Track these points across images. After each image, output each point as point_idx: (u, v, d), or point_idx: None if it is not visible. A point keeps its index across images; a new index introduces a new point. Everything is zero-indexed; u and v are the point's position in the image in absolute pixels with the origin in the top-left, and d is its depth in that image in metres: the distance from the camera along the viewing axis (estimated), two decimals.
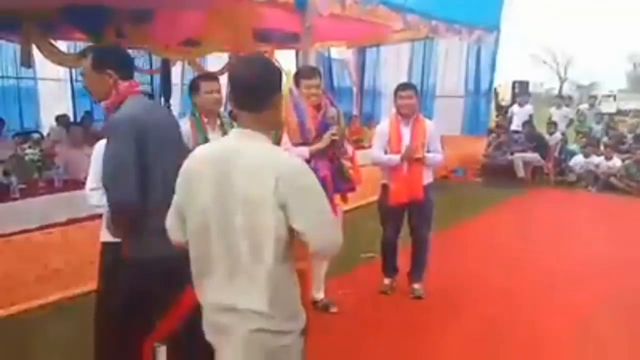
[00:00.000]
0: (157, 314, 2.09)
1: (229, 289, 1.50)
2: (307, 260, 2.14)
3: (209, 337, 1.61)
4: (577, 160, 8.72)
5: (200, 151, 1.64)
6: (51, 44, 6.74)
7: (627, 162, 8.28)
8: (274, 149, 1.60)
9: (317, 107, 3.30)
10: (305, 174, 1.51)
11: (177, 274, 1.78)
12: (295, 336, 1.54)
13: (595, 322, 3.55)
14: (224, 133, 3.06)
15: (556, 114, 10.03)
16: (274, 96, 1.57)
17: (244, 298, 1.48)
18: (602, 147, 9.05)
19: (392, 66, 11.02)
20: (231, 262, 1.49)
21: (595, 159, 8.53)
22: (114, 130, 2.03)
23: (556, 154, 9.12)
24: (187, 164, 1.60)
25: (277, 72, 1.61)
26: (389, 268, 4.01)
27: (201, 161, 1.57)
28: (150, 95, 10.51)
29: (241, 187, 1.46)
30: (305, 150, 3.19)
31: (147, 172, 1.98)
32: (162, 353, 2.56)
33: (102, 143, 2.51)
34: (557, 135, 9.37)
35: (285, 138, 3.30)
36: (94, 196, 2.51)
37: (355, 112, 10.80)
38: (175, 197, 1.63)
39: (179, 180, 1.61)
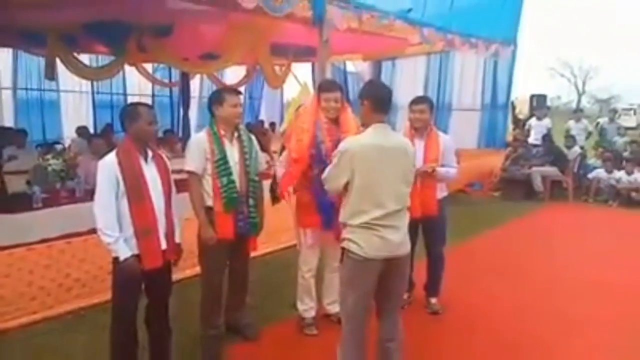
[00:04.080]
0: None
1: None
2: None
3: None
4: (597, 175, 8.58)
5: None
6: (74, 58, 6.93)
7: None
8: None
9: (335, 120, 3.31)
10: None
11: None
12: None
13: (613, 340, 3.48)
14: (241, 144, 3.11)
15: (574, 127, 9.92)
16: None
17: None
18: (623, 162, 8.89)
19: (408, 80, 11.04)
20: None
21: (616, 174, 8.39)
22: None
23: (575, 168, 8.99)
24: None
25: None
26: None
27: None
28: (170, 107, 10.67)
29: None
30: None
31: None
32: None
33: (105, 159, 2.54)
34: (576, 149, 9.25)
35: (285, 153, 3.32)
36: (101, 220, 2.49)
37: None
38: None
39: None
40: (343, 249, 2.49)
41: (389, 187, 2.48)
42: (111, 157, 2.56)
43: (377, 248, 2.42)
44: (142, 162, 2.59)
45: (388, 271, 2.49)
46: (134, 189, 2.52)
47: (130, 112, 2.63)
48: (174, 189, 2.74)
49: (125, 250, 2.51)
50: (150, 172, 2.61)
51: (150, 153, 2.64)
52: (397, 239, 2.47)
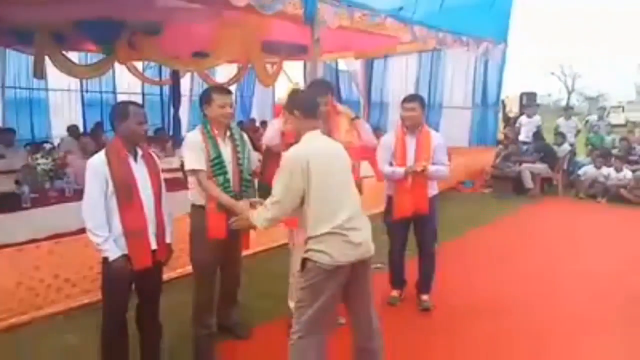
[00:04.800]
0: None
1: None
2: None
3: None
4: (586, 171, 8.67)
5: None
6: (63, 56, 6.86)
7: (637, 173, 8.22)
8: None
9: (324, 122, 3.29)
10: None
11: None
12: None
13: (605, 332, 3.52)
14: (234, 144, 3.09)
15: (564, 125, 10.01)
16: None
17: None
18: (612, 159, 8.99)
19: (400, 78, 11.09)
20: None
21: (605, 170, 8.48)
22: None
23: (565, 165, 9.07)
24: None
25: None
26: (396, 280, 4.00)
27: None
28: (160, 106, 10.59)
29: None
30: None
31: None
32: None
33: (94, 158, 2.52)
34: (566, 146, 9.34)
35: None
36: (90, 220, 2.48)
37: None
38: None
39: None
40: (305, 259, 2.37)
41: (343, 189, 2.45)
42: (100, 157, 2.53)
43: (347, 253, 2.35)
44: (132, 161, 2.57)
45: (355, 275, 2.42)
46: (123, 188, 2.50)
47: (119, 111, 2.60)
48: (164, 188, 2.73)
49: (114, 251, 2.50)
50: (140, 172, 2.59)
51: (140, 152, 2.62)
52: (364, 241, 2.43)
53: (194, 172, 2.96)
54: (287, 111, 2.59)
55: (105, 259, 2.54)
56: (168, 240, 2.73)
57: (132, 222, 2.52)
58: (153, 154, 2.77)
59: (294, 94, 2.87)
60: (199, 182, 2.97)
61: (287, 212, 2.45)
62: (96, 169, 2.49)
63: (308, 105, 2.55)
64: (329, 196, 2.39)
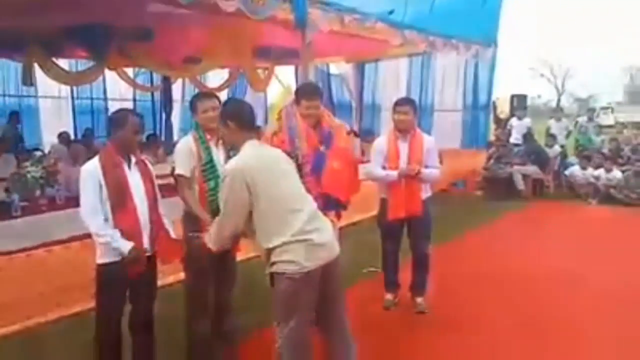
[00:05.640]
0: None
1: None
2: None
3: None
4: (574, 172, 8.73)
5: None
6: (53, 63, 6.81)
7: (626, 173, 8.31)
8: None
9: (314, 126, 3.27)
10: None
11: None
12: None
13: (596, 331, 3.54)
14: (227, 148, 3.09)
15: (555, 126, 10.09)
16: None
17: None
18: (597, 160, 9.07)
19: (391, 81, 11.11)
20: None
21: (595, 171, 8.55)
22: None
23: (556, 166, 9.14)
24: None
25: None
26: (391, 283, 4.00)
27: None
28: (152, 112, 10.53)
29: None
30: None
31: None
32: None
33: (88, 164, 2.57)
34: (557, 147, 9.42)
35: None
36: (92, 222, 2.52)
37: (354, 127, 10.85)
38: None
39: None
40: (272, 273, 2.28)
41: (294, 193, 2.40)
42: (94, 163, 2.57)
43: (315, 257, 2.26)
44: (125, 167, 2.60)
45: (325, 276, 2.31)
46: (117, 194, 2.53)
47: (117, 118, 2.67)
48: (158, 194, 2.75)
49: (126, 243, 2.53)
50: (134, 178, 2.62)
51: (133, 159, 2.66)
52: (328, 241, 2.34)
53: (178, 177, 2.96)
54: (221, 122, 2.50)
55: (99, 265, 2.55)
56: (173, 235, 2.76)
57: (126, 227, 2.54)
58: (146, 161, 2.80)
59: (228, 103, 2.80)
60: (180, 187, 2.96)
61: (236, 227, 2.36)
62: (90, 175, 2.53)
63: (244, 117, 2.46)
64: (281, 203, 2.30)
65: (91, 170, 2.54)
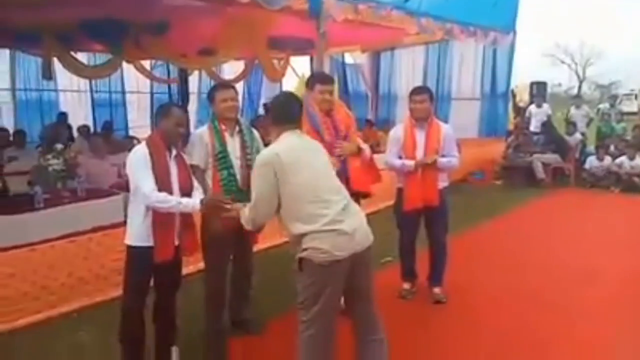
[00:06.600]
0: None
1: None
2: None
3: None
4: (592, 162, 8.54)
5: None
6: (72, 57, 6.90)
7: None
8: None
9: (327, 113, 3.30)
10: None
11: None
12: None
13: (618, 326, 3.48)
14: (243, 139, 3.11)
15: (575, 114, 9.88)
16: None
17: None
18: (612, 148, 8.88)
19: (407, 70, 11.01)
20: None
21: (617, 159, 8.36)
22: None
23: (577, 154, 8.96)
24: None
25: None
26: (408, 272, 3.99)
27: None
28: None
29: None
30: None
31: None
32: (175, 354, 2.67)
33: (136, 149, 2.66)
34: (577, 135, 9.22)
35: None
36: (154, 195, 2.55)
37: (370, 116, 10.79)
38: None
39: None
40: (301, 259, 2.33)
41: (325, 182, 2.43)
42: (142, 147, 2.66)
43: (343, 246, 2.29)
44: (167, 157, 2.69)
45: (353, 267, 2.36)
46: (161, 180, 2.60)
47: (163, 109, 2.79)
48: (194, 188, 2.81)
49: (192, 201, 2.62)
50: (173, 169, 2.70)
51: (174, 152, 2.73)
52: (358, 229, 2.37)
53: (192, 167, 2.99)
54: (269, 120, 2.62)
55: (128, 247, 2.63)
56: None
57: (162, 214, 2.60)
58: (185, 157, 2.87)
59: (274, 99, 2.85)
60: (196, 177, 2.99)
61: (266, 213, 2.43)
62: (142, 156, 2.61)
63: (278, 110, 2.58)
64: (312, 192, 2.35)
65: (142, 153, 2.61)
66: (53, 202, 4.56)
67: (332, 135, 3.26)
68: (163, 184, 2.60)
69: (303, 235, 2.32)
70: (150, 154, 2.61)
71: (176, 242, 2.69)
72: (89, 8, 5.43)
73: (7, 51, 9.15)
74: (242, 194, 3.02)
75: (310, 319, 2.36)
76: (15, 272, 3.45)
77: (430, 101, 3.71)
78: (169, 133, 2.69)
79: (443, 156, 3.69)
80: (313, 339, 2.37)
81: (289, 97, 2.75)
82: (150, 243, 2.60)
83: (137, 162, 2.60)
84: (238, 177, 3.04)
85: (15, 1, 4.89)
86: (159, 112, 2.77)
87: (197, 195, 2.77)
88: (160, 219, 2.60)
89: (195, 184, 2.85)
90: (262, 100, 12.46)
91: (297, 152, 2.43)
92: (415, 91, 3.77)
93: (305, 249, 2.32)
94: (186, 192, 2.72)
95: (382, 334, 2.54)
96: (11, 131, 7.64)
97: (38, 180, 4.84)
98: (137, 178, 2.59)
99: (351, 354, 2.55)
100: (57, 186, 4.95)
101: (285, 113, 2.56)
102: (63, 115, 9.19)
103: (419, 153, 3.69)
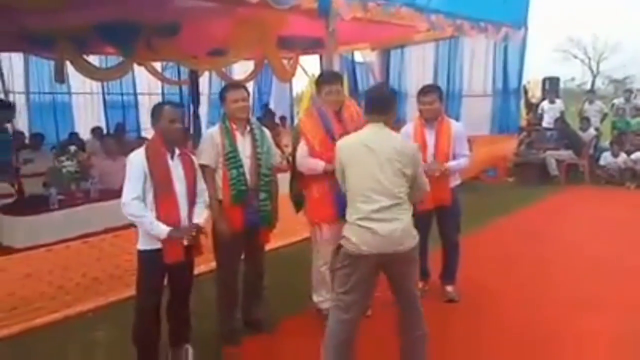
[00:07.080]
0: None
1: None
2: None
3: None
4: (607, 158, 8.42)
5: None
6: (84, 60, 6.98)
7: None
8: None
9: (337, 113, 3.30)
10: None
11: None
12: None
13: (632, 326, 3.43)
14: (254, 138, 3.12)
15: (589, 109, 9.74)
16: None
17: None
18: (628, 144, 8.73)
19: (418, 67, 10.94)
20: None
21: (633, 155, 8.23)
22: None
23: (591, 150, 8.85)
24: None
25: None
26: (420, 271, 3.96)
27: None
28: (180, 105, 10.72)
29: None
30: (321, 165, 3.20)
31: None
32: (189, 352, 2.71)
33: (134, 154, 2.63)
34: (591, 131, 9.10)
35: (302, 148, 3.29)
36: (133, 205, 2.57)
37: None
38: None
39: None
40: (339, 245, 2.53)
41: (376, 182, 2.46)
42: (140, 152, 2.66)
43: (370, 244, 2.40)
44: (169, 159, 2.68)
45: (389, 268, 2.51)
46: (161, 184, 2.61)
47: (154, 111, 2.76)
48: (199, 187, 2.82)
49: (163, 228, 2.58)
50: (176, 170, 2.69)
51: (177, 151, 2.72)
52: (390, 235, 2.41)
53: (201, 167, 3.00)
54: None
55: (139, 252, 2.65)
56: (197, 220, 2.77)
57: (168, 216, 2.61)
58: (190, 154, 2.85)
59: (369, 88, 3.06)
60: (204, 177, 3.00)
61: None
62: (136, 162, 2.62)
63: (369, 101, 2.68)
64: (358, 186, 2.49)
65: (137, 159, 2.62)
66: (67, 203, 4.62)
67: (342, 135, 3.24)
68: (163, 186, 2.60)
69: (346, 222, 2.53)
70: (148, 158, 2.61)
71: (185, 243, 2.68)
72: (101, 11, 5.49)
73: (21, 55, 9.27)
74: (251, 194, 3.04)
75: (336, 298, 2.56)
76: (31, 273, 3.51)
77: (439, 100, 3.65)
78: (165, 132, 2.68)
79: (454, 155, 3.65)
80: (335, 318, 2.54)
81: (381, 90, 2.90)
82: (159, 245, 2.61)
83: (129, 169, 2.61)
84: (247, 176, 3.05)
85: (31, 7, 4.96)
86: (152, 114, 2.75)
87: (202, 202, 2.79)
88: (165, 220, 2.60)
89: (203, 186, 2.84)
90: (271, 102, 12.50)
91: (355, 148, 2.56)
92: (424, 91, 3.69)
93: (343, 236, 2.51)
94: (191, 191, 2.72)
95: (425, 329, 2.65)
96: (26, 134, 7.76)
97: (53, 181, 4.91)
98: (124, 184, 2.61)
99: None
100: (71, 187, 5.03)
101: (372, 105, 2.65)
102: (121, 125, 9.34)
103: (429, 153, 3.65)
